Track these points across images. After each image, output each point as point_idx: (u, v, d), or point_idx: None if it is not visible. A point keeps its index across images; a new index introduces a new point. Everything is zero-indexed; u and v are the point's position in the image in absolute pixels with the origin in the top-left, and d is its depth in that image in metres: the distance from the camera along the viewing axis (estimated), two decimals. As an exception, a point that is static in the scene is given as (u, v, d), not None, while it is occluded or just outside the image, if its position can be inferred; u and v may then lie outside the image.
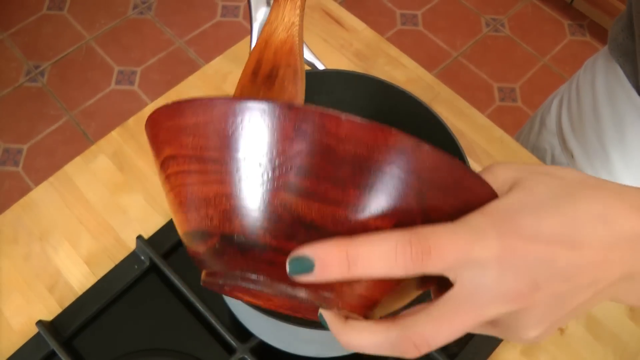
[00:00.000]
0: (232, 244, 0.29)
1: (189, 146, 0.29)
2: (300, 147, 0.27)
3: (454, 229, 0.29)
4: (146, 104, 1.98)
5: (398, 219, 0.28)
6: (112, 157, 0.72)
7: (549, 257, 0.29)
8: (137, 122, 0.74)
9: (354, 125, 0.27)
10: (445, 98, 0.76)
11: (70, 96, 1.97)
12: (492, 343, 0.63)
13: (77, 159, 0.72)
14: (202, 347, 0.60)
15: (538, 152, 0.81)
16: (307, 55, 0.54)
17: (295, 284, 0.29)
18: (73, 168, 0.71)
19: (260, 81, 0.43)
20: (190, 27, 2.17)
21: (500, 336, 0.33)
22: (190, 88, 0.77)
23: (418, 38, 2.18)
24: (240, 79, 0.44)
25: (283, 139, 0.27)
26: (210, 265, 0.31)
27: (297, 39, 0.43)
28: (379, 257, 0.28)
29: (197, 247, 0.31)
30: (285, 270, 0.28)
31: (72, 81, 2.00)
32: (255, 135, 0.27)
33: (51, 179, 0.70)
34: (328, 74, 0.53)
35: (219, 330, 0.57)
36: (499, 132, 0.78)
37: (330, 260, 0.28)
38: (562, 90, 0.78)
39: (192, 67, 2.08)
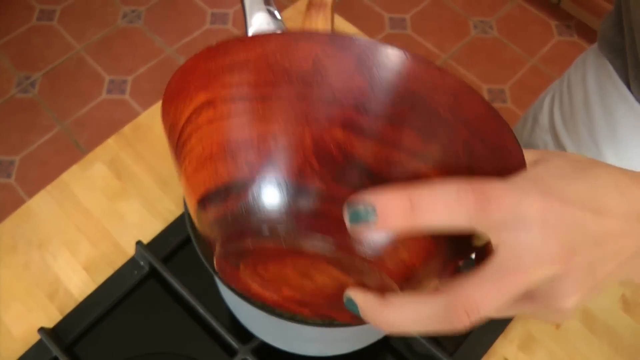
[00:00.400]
0: (270, 193, 0.26)
1: (233, 85, 0.27)
2: (360, 82, 0.25)
3: (505, 184, 0.29)
4: (138, 113, 1.98)
5: (447, 169, 0.27)
6: (108, 164, 0.72)
7: (581, 222, 0.29)
8: (133, 129, 0.75)
9: (415, 64, 0.25)
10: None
11: (61, 106, 1.97)
12: (490, 339, 0.64)
13: (74, 167, 0.72)
14: (203, 349, 0.60)
15: (532, 148, 0.82)
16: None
17: (338, 240, 0.27)
18: (70, 176, 0.71)
19: None
20: (180, 35, 2.17)
21: (537, 313, 0.33)
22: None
23: (407, 41, 2.20)
24: None
25: (343, 72, 0.25)
26: (233, 228, 0.28)
27: None
28: (442, 204, 0.27)
29: (218, 210, 0.28)
30: (330, 223, 0.26)
31: (64, 91, 2.00)
32: (315, 68, 0.25)
33: (48, 187, 0.71)
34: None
35: (219, 332, 0.57)
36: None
37: (393, 208, 0.26)
38: (554, 88, 0.80)
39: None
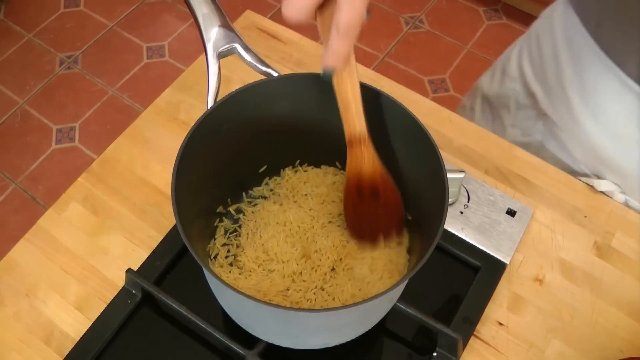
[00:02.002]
0: None
1: None
2: None
3: None
4: (90, 157, 1.96)
5: None
6: (83, 202, 0.73)
7: None
8: (101, 165, 0.76)
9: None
10: (390, 90, 0.80)
11: (12, 164, 1.94)
12: (480, 304, 0.67)
13: (49, 211, 0.72)
14: (209, 364, 0.61)
15: (502, 98, 0.88)
16: (258, 63, 0.57)
17: None
18: (47, 221, 0.72)
19: (367, 200, 0.58)
20: (119, 73, 2.17)
21: None
22: (146, 122, 0.79)
23: None
24: (346, 200, 0.60)
25: None
26: None
27: (381, 169, 0.56)
28: None
29: None
30: None
31: (12, 148, 1.97)
32: None
33: (27, 235, 0.71)
34: (289, 78, 0.56)
35: (224, 342, 0.59)
36: (446, 112, 0.82)
37: None
38: (521, 42, 0.85)
39: (129, 113, 2.08)
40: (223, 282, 0.43)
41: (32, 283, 0.68)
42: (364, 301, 0.44)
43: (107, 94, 2.12)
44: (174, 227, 0.69)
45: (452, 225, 0.71)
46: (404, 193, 0.59)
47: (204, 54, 0.58)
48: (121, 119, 2.06)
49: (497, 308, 0.68)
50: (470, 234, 0.71)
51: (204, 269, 0.46)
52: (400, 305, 0.60)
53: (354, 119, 0.53)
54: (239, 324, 0.56)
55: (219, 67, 0.57)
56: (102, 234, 0.71)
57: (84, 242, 0.70)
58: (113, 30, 2.28)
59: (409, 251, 0.62)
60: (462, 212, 0.73)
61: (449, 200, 0.72)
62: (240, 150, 0.60)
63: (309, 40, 0.88)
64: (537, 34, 0.81)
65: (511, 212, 0.73)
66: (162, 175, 0.75)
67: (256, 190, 0.66)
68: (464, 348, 0.64)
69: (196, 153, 0.53)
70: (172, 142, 0.77)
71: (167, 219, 0.71)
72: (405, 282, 0.56)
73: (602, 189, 0.75)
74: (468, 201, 0.74)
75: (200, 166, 0.54)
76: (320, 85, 0.58)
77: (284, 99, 0.57)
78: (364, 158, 0.56)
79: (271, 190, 0.66)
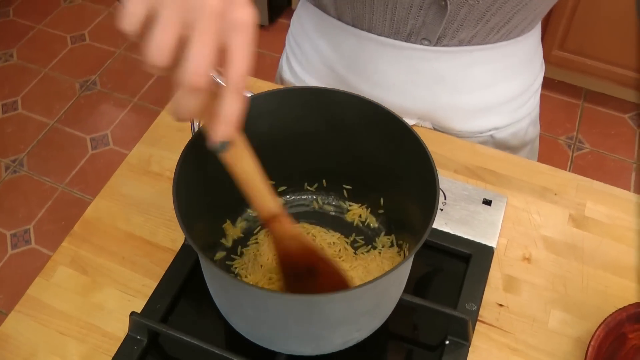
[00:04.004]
0: None
1: None
2: None
3: None
4: (48, 256, 1.92)
5: None
6: (70, 264, 0.72)
7: None
8: (83, 226, 0.76)
9: None
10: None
11: (-31, 276, 1.88)
12: (478, 290, 0.69)
13: (37, 279, 0.71)
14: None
15: None
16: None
17: None
18: (36, 289, 0.70)
19: (304, 277, 0.56)
20: (67, 169, 2.15)
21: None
22: (120, 179, 0.80)
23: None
24: (285, 285, 0.57)
25: None
26: None
27: (308, 240, 0.54)
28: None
29: None
30: None
31: (-33, 260, 1.91)
32: None
33: (17, 307, 0.69)
34: (262, 97, 0.59)
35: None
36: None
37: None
38: (285, 50, 0.95)
39: (82, 206, 2.05)
40: (246, 283, 0.44)
41: (30, 352, 0.66)
42: (380, 276, 0.46)
43: (57, 191, 2.10)
44: (170, 268, 0.69)
45: (435, 222, 0.74)
46: (392, 188, 0.62)
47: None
48: (75, 213, 2.04)
49: (494, 291, 0.70)
50: (454, 227, 0.74)
51: (223, 275, 0.47)
52: (406, 299, 0.62)
53: (263, 199, 0.50)
54: (255, 340, 0.56)
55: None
56: (94, 291, 0.70)
57: (78, 302, 0.69)
58: (54, 127, 2.27)
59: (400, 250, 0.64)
60: (441, 209, 0.75)
61: (427, 200, 0.74)
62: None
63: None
64: (293, 37, 0.91)
65: (487, 202, 0.76)
66: (146, 225, 0.75)
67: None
68: (472, 332, 0.66)
69: (190, 176, 0.54)
70: (149, 193, 0.78)
71: (159, 266, 0.71)
72: (411, 260, 0.57)
73: (411, 124, 0.85)
74: (445, 199, 0.77)
75: (197, 187, 0.56)
76: (296, 100, 0.61)
77: (263, 116, 0.59)
78: (287, 234, 0.53)
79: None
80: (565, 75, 2.34)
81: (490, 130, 0.87)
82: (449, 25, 0.73)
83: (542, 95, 0.95)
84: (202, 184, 0.58)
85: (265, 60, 2.48)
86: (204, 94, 0.38)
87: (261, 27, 2.60)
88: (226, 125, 0.40)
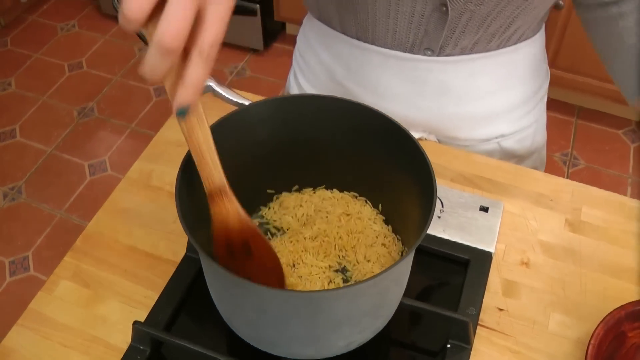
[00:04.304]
0: None
1: None
2: None
3: None
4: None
5: None
6: (73, 278, 0.73)
7: None
8: (85, 241, 0.76)
9: None
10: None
11: (-34, 304, 1.87)
12: (478, 294, 0.69)
13: (40, 293, 0.72)
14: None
15: None
16: (232, 95, 0.61)
17: None
18: (38, 303, 0.71)
19: (240, 255, 0.57)
20: (65, 196, 2.16)
21: None
22: (121, 194, 0.81)
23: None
24: (220, 258, 0.57)
25: None
26: None
27: (249, 222, 0.55)
28: None
29: None
30: None
31: (-35, 287, 1.91)
32: None
33: (20, 321, 0.70)
34: (261, 104, 0.60)
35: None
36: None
37: None
38: (292, 67, 0.97)
39: (81, 231, 2.05)
40: (248, 281, 0.45)
41: (33, 366, 0.66)
42: (381, 272, 0.47)
43: (55, 217, 2.11)
44: (172, 278, 0.70)
45: (434, 229, 0.75)
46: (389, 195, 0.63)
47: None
48: (74, 239, 2.03)
49: (494, 296, 0.71)
50: (452, 233, 0.74)
51: (224, 273, 0.48)
52: (407, 302, 0.62)
53: (210, 170, 0.51)
54: (257, 344, 0.56)
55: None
56: (97, 303, 0.70)
57: (80, 315, 0.69)
58: (52, 154, 2.29)
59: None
60: (439, 217, 0.76)
61: (425, 207, 0.75)
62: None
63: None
64: (300, 53, 0.93)
65: (484, 209, 0.77)
66: (148, 238, 0.76)
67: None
68: (474, 335, 0.66)
69: (190, 185, 0.55)
70: (150, 207, 0.79)
71: (161, 278, 0.71)
72: (411, 258, 0.58)
73: (417, 137, 0.85)
74: (442, 206, 0.77)
75: (197, 196, 0.56)
76: (293, 108, 0.62)
77: (261, 124, 0.61)
78: (228, 211, 0.53)
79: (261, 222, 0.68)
80: (558, 93, 2.37)
81: (496, 138, 0.88)
82: (450, 32, 0.74)
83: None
84: (202, 194, 0.59)
85: (261, 84, 2.51)
86: (174, 56, 0.39)
87: (256, 52, 2.63)
88: (189, 89, 0.41)
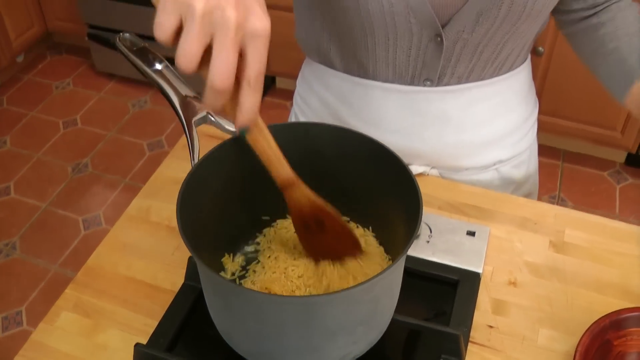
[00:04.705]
0: None
1: None
2: None
3: None
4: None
5: None
6: (74, 309, 0.74)
7: None
8: (86, 274, 0.79)
9: None
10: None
11: (-42, 361, 1.86)
12: (468, 312, 0.72)
13: (41, 325, 0.73)
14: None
15: None
16: (228, 124, 0.65)
17: None
18: (40, 334, 0.72)
19: (315, 230, 0.65)
20: (60, 251, 2.17)
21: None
22: (121, 230, 0.83)
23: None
24: (301, 239, 0.67)
25: None
26: None
27: (319, 201, 0.63)
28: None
29: None
30: None
31: (-43, 344, 1.89)
32: None
33: (21, 351, 0.71)
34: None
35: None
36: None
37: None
38: (294, 110, 1.02)
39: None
40: (245, 288, 0.47)
41: (36, 395, 0.68)
42: (373, 277, 0.49)
43: (50, 272, 2.11)
44: (172, 304, 0.72)
45: (423, 252, 0.78)
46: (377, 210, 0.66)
47: (182, 127, 0.65)
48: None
49: (483, 314, 0.73)
50: (441, 256, 0.77)
51: (222, 281, 0.50)
52: (399, 319, 0.65)
53: (277, 168, 0.59)
54: (256, 359, 0.58)
55: (196, 133, 0.64)
56: (98, 332, 0.72)
57: (82, 344, 0.71)
58: (46, 210, 2.31)
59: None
60: (428, 242, 0.79)
61: (414, 233, 0.78)
62: (231, 203, 0.66)
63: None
64: (301, 97, 0.98)
65: (471, 233, 0.80)
66: (147, 269, 0.78)
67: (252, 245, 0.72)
68: (465, 350, 0.68)
69: (190, 209, 0.58)
70: (149, 241, 0.82)
71: (160, 306, 0.73)
72: (402, 265, 0.60)
73: (419, 172, 0.90)
74: (431, 232, 0.80)
75: (198, 220, 0.59)
76: (288, 135, 0.66)
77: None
78: (299, 197, 0.62)
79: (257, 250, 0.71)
80: (544, 137, 2.43)
81: (495, 164, 0.92)
82: (447, 61, 0.79)
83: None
84: (203, 217, 0.62)
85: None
86: (226, 94, 0.46)
87: (247, 105, 2.69)
88: (245, 114, 0.48)
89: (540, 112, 2.26)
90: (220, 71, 0.44)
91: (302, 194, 0.62)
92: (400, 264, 0.57)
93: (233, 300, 0.53)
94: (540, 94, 2.25)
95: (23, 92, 2.81)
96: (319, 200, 0.62)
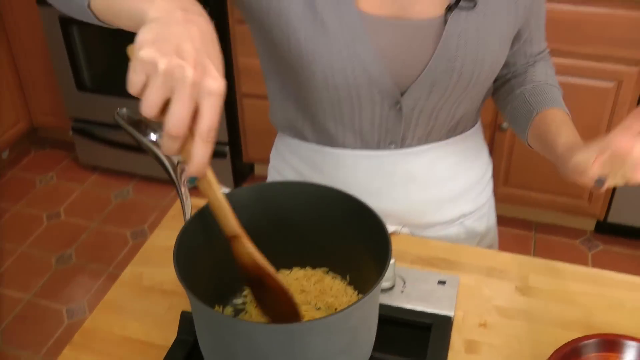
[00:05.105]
0: None
1: None
2: None
3: None
4: None
5: None
6: (72, 369, 0.78)
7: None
8: (83, 335, 0.83)
9: None
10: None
11: None
12: (443, 353, 0.77)
13: (40, 385, 0.77)
14: None
15: None
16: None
17: None
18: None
19: (258, 287, 0.69)
20: (43, 341, 2.17)
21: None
22: (115, 294, 0.88)
23: None
24: (249, 290, 0.72)
25: None
26: None
27: (260, 260, 0.67)
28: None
29: None
30: None
31: None
32: None
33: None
34: (238, 193, 0.71)
35: None
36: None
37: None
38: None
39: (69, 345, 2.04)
40: (235, 319, 0.53)
41: None
42: (352, 304, 0.56)
43: (32, 364, 2.10)
44: (167, 356, 0.76)
45: (398, 301, 0.83)
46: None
47: (175, 188, 0.72)
48: (52, 382, 2.03)
49: (457, 354, 0.78)
50: (415, 303, 0.83)
51: (211, 312, 0.56)
52: (377, 357, 0.70)
53: (222, 220, 0.64)
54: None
55: (187, 193, 0.71)
56: (96, 389, 0.76)
57: (81, 401, 0.75)
58: (30, 301, 2.31)
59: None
60: (402, 291, 0.85)
61: (387, 284, 0.85)
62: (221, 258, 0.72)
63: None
64: (276, 170, 1.06)
65: (442, 282, 0.86)
66: (141, 328, 0.83)
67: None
68: (441, 386, 0.73)
69: (184, 262, 0.64)
70: (142, 303, 0.87)
71: (154, 361, 0.78)
72: (378, 295, 0.66)
73: (391, 231, 0.96)
74: (404, 284, 0.87)
75: (192, 273, 0.65)
76: (270, 194, 0.73)
77: (242, 210, 0.71)
78: (242, 251, 0.67)
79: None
80: (515, 210, 2.52)
81: (459, 218, 1.00)
82: (407, 126, 0.89)
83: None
84: (194, 271, 0.68)
85: (234, 220, 2.61)
86: (180, 140, 0.53)
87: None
88: (194, 165, 0.55)
89: (509, 186, 2.39)
90: (175, 119, 0.51)
91: (244, 249, 0.66)
92: (374, 296, 0.64)
93: (225, 334, 0.58)
94: (508, 168, 2.37)
95: (6, 188, 2.87)
96: (260, 259, 0.67)
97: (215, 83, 0.53)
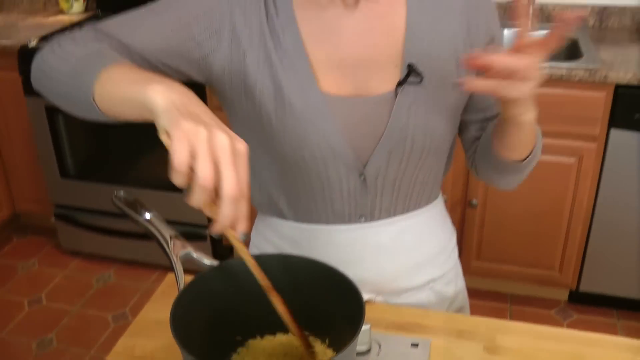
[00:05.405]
0: None
1: None
2: None
3: None
4: None
5: None
6: None
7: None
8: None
9: None
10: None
11: None
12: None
13: None
14: None
15: None
16: (206, 259, 0.79)
17: None
18: None
19: None
20: None
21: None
22: (108, 365, 0.93)
23: None
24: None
25: None
26: None
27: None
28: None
29: None
30: None
31: None
32: None
33: None
34: (226, 267, 0.78)
35: None
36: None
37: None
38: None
39: None
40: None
41: None
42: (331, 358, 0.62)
43: None
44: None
45: (375, 363, 0.90)
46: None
47: (170, 262, 0.79)
48: None
49: (432, 411, 0.84)
50: (391, 364, 0.90)
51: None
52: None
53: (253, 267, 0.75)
54: None
55: (180, 265, 0.78)
56: None
57: None
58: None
59: None
60: (378, 354, 0.92)
61: (364, 348, 0.91)
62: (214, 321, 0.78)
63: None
64: (257, 247, 1.12)
65: (415, 345, 0.93)
66: (133, 397, 0.87)
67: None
68: None
69: (180, 327, 0.71)
70: (134, 373, 0.92)
71: None
72: (354, 350, 0.73)
73: (366, 299, 1.00)
74: (380, 347, 0.93)
75: (187, 337, 0.72)
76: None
77: (231, 280, 0.78)
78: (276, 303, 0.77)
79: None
80: (489, 283, 2.59)
81: (429, 283, 1.08)
82: (373, 197, 0.98)
83: (471, 305, 1.19)
84: (188, 336, 0.75)
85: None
86: (207, 191, 0.59)
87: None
88: (220, 225, 0.61)
89: (482, 259, 2.47)
90: (202, 174, 0.59)
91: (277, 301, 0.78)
92: (348, 356, 0.70)
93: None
94: (480, 243, 2.46)
95: (-12, 274, 2.88)
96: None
97: (242, 145, 0.62)
